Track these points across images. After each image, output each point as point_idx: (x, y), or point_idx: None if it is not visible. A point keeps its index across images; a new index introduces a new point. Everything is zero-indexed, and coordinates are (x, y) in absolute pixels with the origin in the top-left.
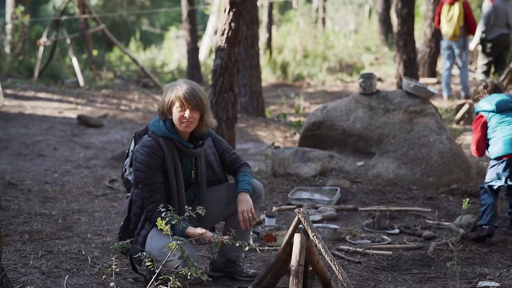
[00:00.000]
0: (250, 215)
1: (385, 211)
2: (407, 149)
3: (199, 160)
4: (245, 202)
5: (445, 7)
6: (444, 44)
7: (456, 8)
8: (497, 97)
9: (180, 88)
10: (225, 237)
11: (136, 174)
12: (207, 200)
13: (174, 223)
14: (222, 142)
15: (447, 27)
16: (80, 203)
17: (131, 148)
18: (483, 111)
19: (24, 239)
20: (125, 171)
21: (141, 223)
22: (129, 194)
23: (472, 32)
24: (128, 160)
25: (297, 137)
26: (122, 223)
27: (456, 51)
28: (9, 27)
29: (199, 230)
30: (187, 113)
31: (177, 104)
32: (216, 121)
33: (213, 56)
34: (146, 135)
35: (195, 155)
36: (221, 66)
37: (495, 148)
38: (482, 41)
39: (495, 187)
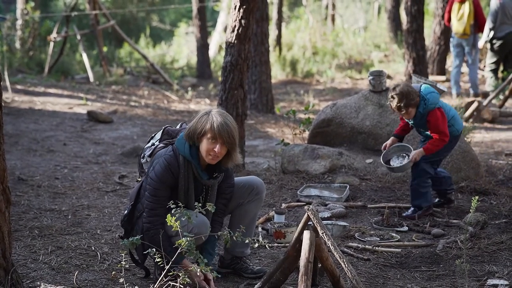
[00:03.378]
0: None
1: (394, 208)
2: (416, 147)
3: (210, 190)
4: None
5: (455, 5)
6: (454, 42)
7: (467, 6)
8: (430, 89)
9: (215, 120)
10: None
11: (148, 182)
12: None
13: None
14: (228, 183)
15: (458, 25)
16: (89, 199)
17: (157, 137)
18: (437, 103)
19: (34, 234)
20: (143, 157)
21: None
22: (139, 180)
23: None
24: (149, 151)
25: (306, 134)
26: (127, 211)
27: (466, 48)
28: (19, 22)
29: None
30: (217, 148)
31: (209, 135)
32: None
33: (222, 52)
34: (171, 147)
35: (206, 185)
36: (231, 63)
37: (458, 124)
38: (491, 39)
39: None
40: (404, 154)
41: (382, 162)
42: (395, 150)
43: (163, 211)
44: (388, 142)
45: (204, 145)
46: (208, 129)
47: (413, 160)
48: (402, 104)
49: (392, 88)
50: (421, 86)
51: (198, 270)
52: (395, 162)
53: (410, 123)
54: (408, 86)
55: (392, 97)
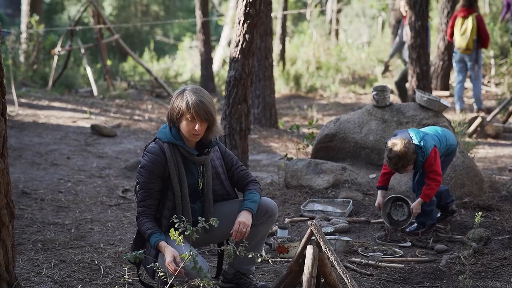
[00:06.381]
0: (244, 230)
1: None
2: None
3: (205, 170)
4: (245, 217)
5: (458, 20)
6: (456, 57)
7: (470, 21)
8: (420, 133)
9: (190, 99)
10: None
11: (137, 177)
12: (217, 215)
13: (156, 236)
14: (231, 157)
15: (461, 40)
16: (93, 212)
17: None
18: (432, 145)
19: (37, 248)
20: (137, 184)
21: None
22: None
23: (485, 45)
24: None
25: (310, 149)
26: (135, 236)
27: (469, 64)
28: (24, 36)
29: (169, 257)
30: (197, 126)
31: (187, 116)
32: (230, 132)
33: (226, 66)
34: (152, 142)
35: (200, 163)
36: (235, 77)
37: (453, 139)
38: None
39: None
40: (399, 203)
41: (387, 223)
42: (388, 203)
43: (151, 202)
44: (379, 199)
45: (184, 126)
46: (185, 110)
47: (415, 214)
48: (399, 166)
49: (388, 148)
50: (408, 132)
51: (170, 259)
52: (397, 216)
53: (415, 171)
54: (405, 145)
55: (389, 158)
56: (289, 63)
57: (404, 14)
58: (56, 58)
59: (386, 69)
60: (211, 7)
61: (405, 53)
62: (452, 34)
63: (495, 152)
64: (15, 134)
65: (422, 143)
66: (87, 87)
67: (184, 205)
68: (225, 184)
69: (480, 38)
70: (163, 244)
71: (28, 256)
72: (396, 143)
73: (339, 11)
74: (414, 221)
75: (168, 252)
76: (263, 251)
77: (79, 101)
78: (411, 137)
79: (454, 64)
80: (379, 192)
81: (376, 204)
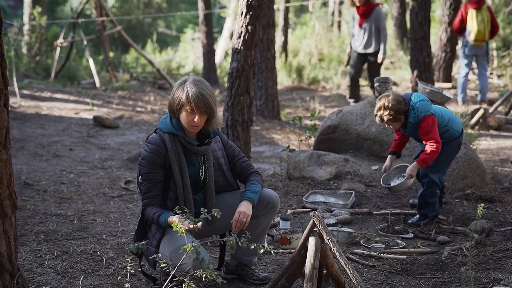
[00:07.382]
0: (245, 220)
1: (399, 215)
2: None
3: (206, 160)
4: (245, 207)
5: (472, 12)
6: (467, 50)
7: (484, 13)
8: (420, 97)
9: (190, 91)
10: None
11: (139, 169)
12: (219, 206)
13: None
14: (233, 148)
15: (478, 31)
16: (95, 204)
17: None
18: (428, 111)
19: (40, 239)
20: (140, 175)
21: (154, 226)
22: None
23: (494, 36)
24: None
25: (312, 140)
26: (137, 227)
27: (480, 56)
28: (26, 28)
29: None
30: (196, 118)
31: (186, 107)
32: (232, 123)
33: (228, 58)
34: (154, 133)
35: (201, 154)
36: (238, 69)
37: (456, 124)
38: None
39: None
40: (404, 174)
41: (382, 184)
42: (396, 172)
43: (156, 192)
44: (387, 163)
45: (183, 117)
46: (185, 101)
47: (409, 176)
48: (377, 114)
49: (381, 96)
50: (411, 94)
51: (187, 221)
52: (395, 183)
53: (405, 134)
54: (394, 100)
55: (376, 103)
56: (291, 54)
57: (357, 4)
58: (58, 49)
59: (349, 59)
60: None
61: (355, 43)
62: (461, 28)
63: (497, 144)
64: (17, 126)
65: (417, 105)
66: (90, 78)
67: (186, 195)
68: (227, 175)
69: (493, 29)
70: (171, 218)
71: (31, 247)
72: (390, 95)
73: (341, 2)
74: (416, 213)
75: (176, 217)
76: (266, 242)
77: (81, 93)
78: (411, 97)
79: (463, 57)
80: (389, 156)
81: (383, 166)
